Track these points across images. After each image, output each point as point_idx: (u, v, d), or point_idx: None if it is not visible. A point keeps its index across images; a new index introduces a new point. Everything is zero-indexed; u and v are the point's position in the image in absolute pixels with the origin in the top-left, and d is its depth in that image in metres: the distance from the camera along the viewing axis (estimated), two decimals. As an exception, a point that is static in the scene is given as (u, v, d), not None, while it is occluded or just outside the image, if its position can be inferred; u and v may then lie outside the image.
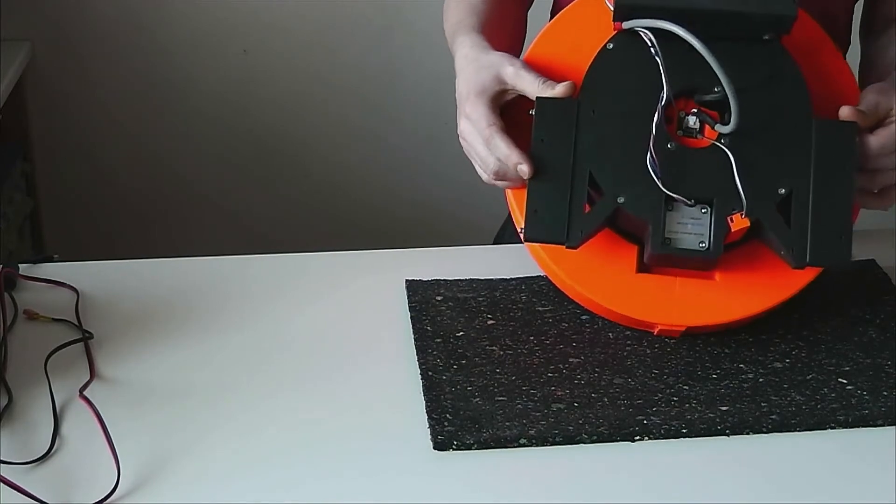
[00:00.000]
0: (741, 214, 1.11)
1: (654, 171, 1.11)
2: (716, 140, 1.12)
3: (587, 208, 1.13)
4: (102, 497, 0.95)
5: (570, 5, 1.22)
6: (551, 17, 1.47)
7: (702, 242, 1.12)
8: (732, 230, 1.12)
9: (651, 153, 1.11)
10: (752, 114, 1.11)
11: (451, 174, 2.45)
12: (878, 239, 1.33)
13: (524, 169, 1.12)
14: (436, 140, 2.44)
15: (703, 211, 1.12)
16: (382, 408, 1.08)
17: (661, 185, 1.11)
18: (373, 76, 2.41)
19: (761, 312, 1.16)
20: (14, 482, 0.95)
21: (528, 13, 1.44)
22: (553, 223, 1.12)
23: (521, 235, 1.14)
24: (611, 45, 1.15)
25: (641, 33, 1.12)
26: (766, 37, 1.13)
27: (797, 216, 1.11)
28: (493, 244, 1.56)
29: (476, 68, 1.19)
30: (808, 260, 1.11)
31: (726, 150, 1.11)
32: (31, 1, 2.31)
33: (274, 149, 2.46)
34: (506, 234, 1.56)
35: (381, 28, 2.37)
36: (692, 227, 1.13)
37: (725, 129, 1.11)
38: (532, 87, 1.15)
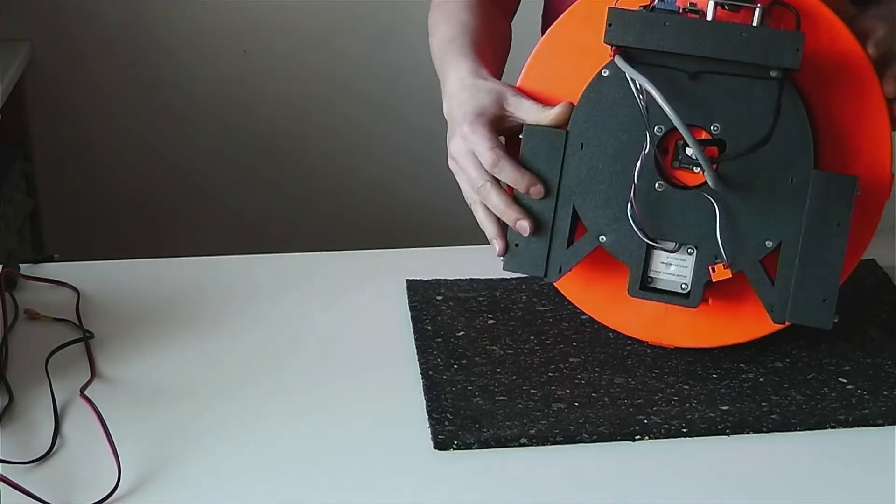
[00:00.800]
0: (723, 265, 1.08)
1: (634, 222, 1.08)
2: (700, 187, 1.08)
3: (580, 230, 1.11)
4: (103, 497, 0.95)
5: (563, 15, 1.16)
6: (542, 25, 1.48)
7: (684, 285, 1.10)
8: (712, 280, 1.09)
9: (632, 204, 1.08)
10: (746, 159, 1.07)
11: (452, 174, 2.45)
12: (878, 239, 1.33)
13: (539, 189, 1.10)
14: (436, 139, 2.42)
15: (689, 252, 1.09)
16: (383, 407, 1.08)
17: (640, 236, 1.09)
18: (373, 76, 2.41)
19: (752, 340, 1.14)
20: (15, 482, 0.95)
21: (520, 22, 1.43)
22: (532, 256, 1.12)
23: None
24: (606, 72, 1.08)
25: (629, 79, 1.06)
26: (774, 74, 1.05)
27: (782, 271, 1.07)
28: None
29: (473, 92, 1.16)
30: (786, 318, 1.07)
31: (711, 200, 1.07)
32: (31, 1, 2.31)
33: (273, 149, 2.46)
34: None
35: (382, 28, 2.37)
36: (675, 269, 1.10)
37: (710, 182, 1.06)
38: (531, 114, 1.12)
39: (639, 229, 1.09)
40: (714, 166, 1.06)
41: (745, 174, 1.07)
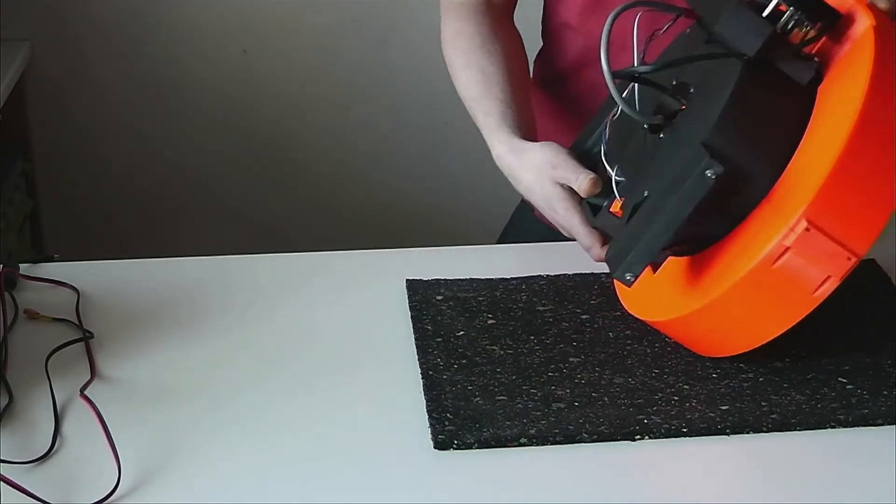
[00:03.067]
0: (618, 200, 1.13)
1: (602, 140, 1.17)
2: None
3: None
4: (103, 497, 0.95)
5: None
6: (542, 29, 1.49)
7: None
8: (608, 209, 1.14)
9: (608, 123, 1.17)
10: (678, 116, 1.11)
11: (451, 173, 2.45)
12: (878, 239, 1.33)
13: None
14: (436, 139, 2.44)
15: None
16: (383, 407, 1.08)
17: (603, 148, 1.16)
18: (373, 75, 2.41)
19: (651, 322, 1.15)
20: (15, 482, 0.95)
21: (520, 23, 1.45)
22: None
23: None
24: (688, 30, 1.14)
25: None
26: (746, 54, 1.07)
27: (631, 219, 1.09)
28: (497, 244, 1.56)
29: (538, 178, 1.23)
30: (605, 256, 1.13)
31: (644, 139, 1.13)
32: (31, 1, 2.31)
33: (273, 148, 2.46)
34: (509, 235, 1.56)
35: (382, 27, 2.37)
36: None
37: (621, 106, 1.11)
38: (573, 176, 1.19)
39: (605, 150, 1.16)
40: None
41: (674, 129, 1.11)
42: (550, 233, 1.38)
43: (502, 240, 1.57)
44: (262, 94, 2.41)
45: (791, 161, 1.06)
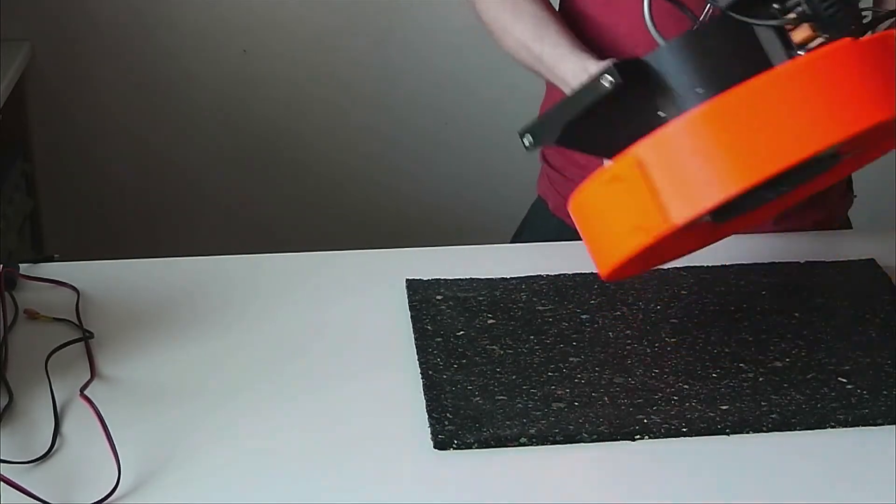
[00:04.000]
0: None
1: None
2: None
3: None
4: (103, 496, 0.95)
5: None
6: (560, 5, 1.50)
7: None
8: None
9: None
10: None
11: (451, 173, 2.45)
12: (878, 239, 1.33)
13: None
14: (436, 139, 2.44)
15: None
16: (383, 407, 1.08)
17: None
18: (373, 75, 2.41)
19: None
20: (15, 481, 0.95)
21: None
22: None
23: None
24: None
25: None
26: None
27: None
28: (498, 244, 1.56)
29: None
30: None
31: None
32: (31, 1, 2.31)
33: (273, 149, 2.46)
34: (525, 231, 1.56)
35: (382, 27, 2.37)
36: None
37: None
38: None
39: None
40: None
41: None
42: (565, 227, 1.38)
43: (517, 236, 1.57)
44: (262, 94, 2.41)
45: None
